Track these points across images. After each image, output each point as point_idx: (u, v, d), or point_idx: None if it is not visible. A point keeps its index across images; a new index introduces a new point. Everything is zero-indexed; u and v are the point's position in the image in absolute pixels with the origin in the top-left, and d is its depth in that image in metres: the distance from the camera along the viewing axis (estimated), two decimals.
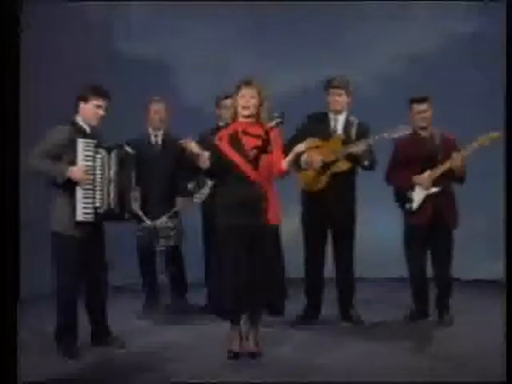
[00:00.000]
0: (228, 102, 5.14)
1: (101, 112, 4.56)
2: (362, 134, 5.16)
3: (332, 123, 5.23)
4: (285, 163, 4.43)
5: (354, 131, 5.18)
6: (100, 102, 4.54)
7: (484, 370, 4.15)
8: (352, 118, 5.23)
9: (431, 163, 5.12)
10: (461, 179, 5.18)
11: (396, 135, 5.04)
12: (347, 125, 5.21)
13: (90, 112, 4.54)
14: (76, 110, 4.57)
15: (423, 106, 5.14)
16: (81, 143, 4.44)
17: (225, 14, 6.71)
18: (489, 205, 6.14)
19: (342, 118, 5.23)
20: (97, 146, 4.51)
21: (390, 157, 5.33)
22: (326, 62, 6.41)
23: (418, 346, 4.72)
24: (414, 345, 4.73)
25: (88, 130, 4.57)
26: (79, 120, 4.56)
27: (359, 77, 6.72)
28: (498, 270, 5.64)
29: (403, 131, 5.03)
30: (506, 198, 4.30)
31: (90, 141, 4.48)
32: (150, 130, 5.72)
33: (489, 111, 6.03)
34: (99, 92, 4.56)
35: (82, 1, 6.63)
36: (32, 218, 5.47)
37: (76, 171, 4.40)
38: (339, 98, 5.18)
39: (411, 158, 5.16)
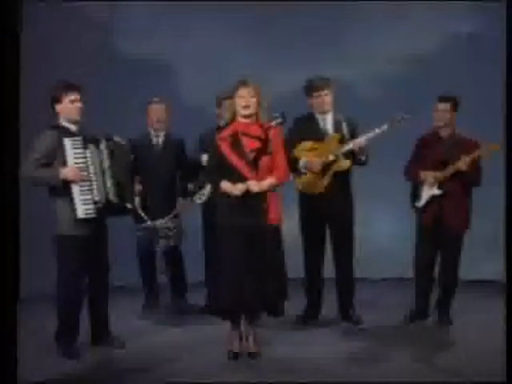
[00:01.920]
0: (229, 101, 5.13)
1: (78, 105, 4.51)
2: (353, 130, 5.17)
3: (321, 123, 5.20)
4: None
5: (345, 128, 5.16)
6: (73, 96, 4.49)
7: (484, 370, 4.16)
8: (339, 116, 5.21)
9: (442, 164, 5.09)
10: (475, 183, 5.14)
11: (395, 124, 5.00)
12: (336, 123, 5.19)
13: (67, 110, 4.50)
14: (55, 113, 4.53)
15: (442, 106, 5.12)
16: (68, 142, 4.42)
17: (225, 14, 6.69)
18: (489, 205, 6.11)
19: (329, 118, 5.20)
20: (85, 141, 4.48)
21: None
22: (326, 62, 6.40)
23: (417, 346, 4.71)
24: (413, 345, 4.72)
25: (73, 128, 4.53)
26: (62, 121, 4.53)
27: (359, 77, 6.73)
28: (498, 271, 5.64)
29: (399, 120, 5.00)
30: (506, 199, 4.29)
31: (76, 138, 4.46)
32: (151, 131, 5.70)
33: (489, 111, 6.03)
34: (69, 87, 4.51)
35: (82, 0, 6.62)
36: (32, 218, 5.46)
37: (68, 171, 4.39)
38: (327, 98, 5.15)
39: (426, 155, 5.16)
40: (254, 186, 4.32)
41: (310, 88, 5.18)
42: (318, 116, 5.21)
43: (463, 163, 5.00)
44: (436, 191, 5.10)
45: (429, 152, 5.16)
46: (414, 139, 5.29)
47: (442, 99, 5.13)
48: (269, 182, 4.37)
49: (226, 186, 4.35)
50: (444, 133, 5.17)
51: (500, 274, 5.13)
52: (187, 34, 6.77)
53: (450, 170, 5.04)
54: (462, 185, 5.12)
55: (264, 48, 6.76)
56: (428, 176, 5.10)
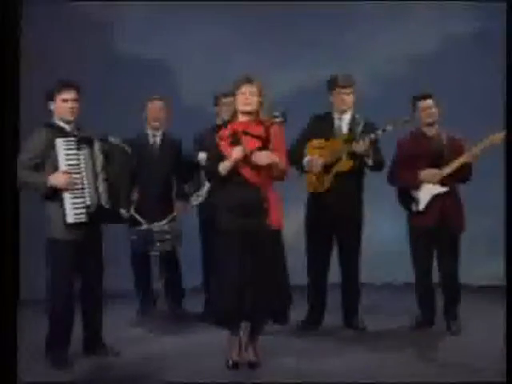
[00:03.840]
0: (228, 99, 5.02)
1: (70, 105, 4.33)
2: (370, 132, 5.01)
3: (336, 123, 5.13)
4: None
5: (359, 130, 5.05)
6: (65, 96, 4.32)
7: (484, 370, 4.13)
8: (358, 117, 5.12)
9: (438, 162, 4.99)
10: (466, 178, 5.06)
11: (400, 125, 4.92)
12: (353, 124, 5.10)
13: (60, 109, 4.34)
14: (49, 111, 4.38)
15: (428, 103, 5.03)
16: (60, 143, 4.24)
17: (225, 14, 6.70)
18: (489, 206, 6.10)
19: (347, 118, 5.12)
20: (78, 142, 4.29)
21: (392, 157, 5.21)
22: (326, 62, 6.40)
23: (423, 354, 4.57)
24: (419, 353, 4.59)
25: (68, 127, 4.37)
26: (55, 120, 4.37)
27: (359, 77, 6.67)
28: (494, 274, 5.59)
29: (406, 121, 4.94)
30: (506, 199, 4.27)
31: (69, 138, 4.28)
32: (149, 130, 5.61)
33: (489, 111, 6.02)
34: (62, 85, 4.34)
35: (82, 1, 6.63)
36: (32, 221, 5.44)
37: (57, 177, 4.21)
38: (347, 97, 5.08)
39: (416, 156, 5.03)
40: (261, 157, 4.14)
41: (332, 85, 5.09)
42: (336, 115, 5.13)
43: (472, 155, 4.89)
44: (441, 189, 4.98)
45: (418, 153, 5.02)
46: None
47: (423, 97, 5.05)
48: (274, 158, 4.18)
49: (223, 165, 4.20)
50: (430, 131, 5.07)
51: (498, 279, 5.02)
52: (187, 34, 6.77)
53: (457, 163, 4.93)
54: (457, 182, 5.04)
55: (264, 48, 6.76)
56: (430, 175, 4.98)
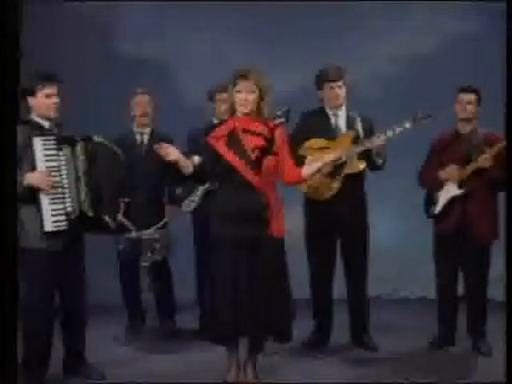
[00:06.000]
0: (224, 95, 4.78)
1: (54, 100, 4.04)
2: (369, 128, 4.79)
3: (332, 119, 4.80)
4: (307, 171, 3.99)
5: (359, 126, 4.76)
6: (50, 90, 4.02)
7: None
8: (352, 113, 4.84)
9: (464, 163, 4.64)
10: (500, 184, 4.55)
11: (418, 124, 4.57)
12: (349, 120, 4.78)
13: (42, 105, 4.04)
14: (27, 107, 4.08)
15: (469, 97, 4.72)
16: (38, 142, 3.93)
17: (225, 13, 6.71)
18: None
19: (342, 113, 4.81)
20: (58, 141, 3.99)
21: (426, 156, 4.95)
22: (326, 62, 6.39)
23: (443, 378, 4.24)
24: (438, 377, 4.25)
25: (47, 125, 4.06)
26: (33, 117, 4.06)
27: (359, 77, 6.72)
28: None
29: (426, 118, 4.58)
30: (506, 201, 4.27)
31: (49, 138, 3.98)
32: (135, 128, 5.29)
33: (489, 112, 6.02)
34: (46, 79, 4.05)
35: (81, 1, 6.64)
36: None
37: (35, 177, 3.90)
38: (340, 91, 4.74)
39: (445, 156, 4.73)
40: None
41: (323, 78, 4.77)
42: (329, 111, 4.80)
43: (485, 159, 4.56)
44: (457, 191, 4.64)
45: (447, 152, 4.74)
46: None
47: (465, 89, 4.76)
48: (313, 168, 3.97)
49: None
50: (465, 129, 4.77)
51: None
52: (187, 34, 6.78)
53: (470, 167, 4.60)
54: (487, 186, 4.64)
55: (264, 48, 6.76)
56: (450, 173, 4.65)
